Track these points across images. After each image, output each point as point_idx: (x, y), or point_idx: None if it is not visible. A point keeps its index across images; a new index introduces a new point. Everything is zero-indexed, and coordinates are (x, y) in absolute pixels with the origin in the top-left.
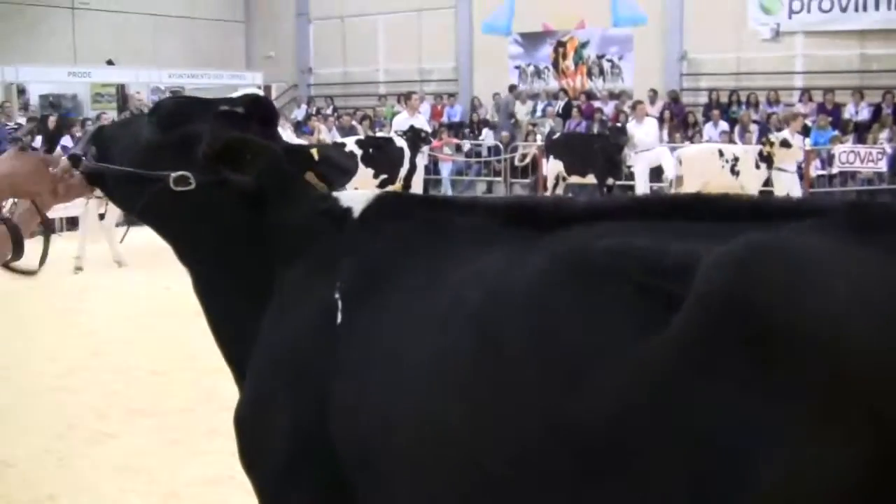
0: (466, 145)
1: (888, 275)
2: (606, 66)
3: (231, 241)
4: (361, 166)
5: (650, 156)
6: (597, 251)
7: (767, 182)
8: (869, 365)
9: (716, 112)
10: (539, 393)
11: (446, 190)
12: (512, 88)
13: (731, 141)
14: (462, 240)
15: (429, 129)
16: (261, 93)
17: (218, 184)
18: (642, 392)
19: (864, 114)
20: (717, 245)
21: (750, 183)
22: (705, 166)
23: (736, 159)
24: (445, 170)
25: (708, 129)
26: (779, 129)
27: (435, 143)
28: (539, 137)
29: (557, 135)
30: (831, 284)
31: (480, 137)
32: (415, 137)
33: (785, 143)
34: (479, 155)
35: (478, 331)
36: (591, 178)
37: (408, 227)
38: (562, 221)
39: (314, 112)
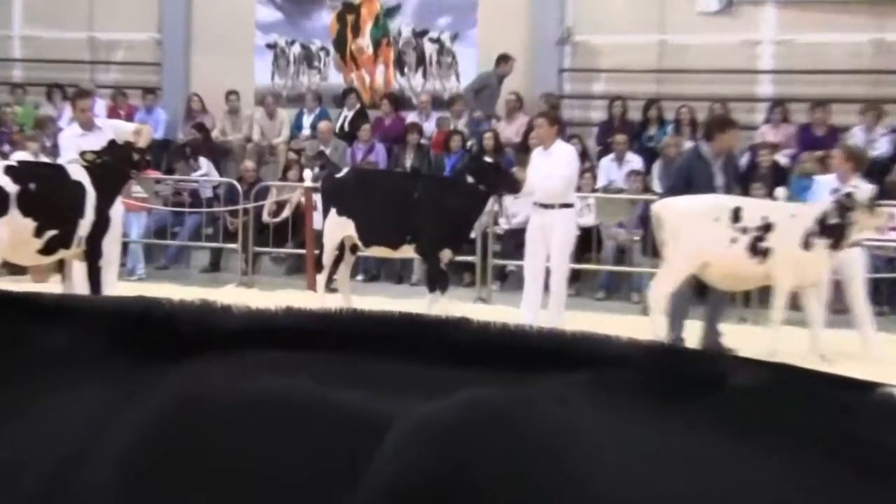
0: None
1: (675, 469)
2: (430, 49)
3: None
4: (17, 215)
5: (568, 216)
6: (230, 401)
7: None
8: None
9: (620, 137)
10: None
11: (136, 262)
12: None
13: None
14: (40, 367)
15: (144, 144)
16: None
17: None
18: None
19: None
20: (424, 401)
21: (788, 271)
22: (698, 228)
23: (766, 226)
24: (136, 226)
25: (605, 165)
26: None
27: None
28: (307, 174)
29: (345, 171)
30: (575, 484)
31: (200, 171)
32: (119, 161)
33: (873, 204)
34: (196, 200)
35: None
36: (405, 250)
37: None
38: (199, 344)
39: None
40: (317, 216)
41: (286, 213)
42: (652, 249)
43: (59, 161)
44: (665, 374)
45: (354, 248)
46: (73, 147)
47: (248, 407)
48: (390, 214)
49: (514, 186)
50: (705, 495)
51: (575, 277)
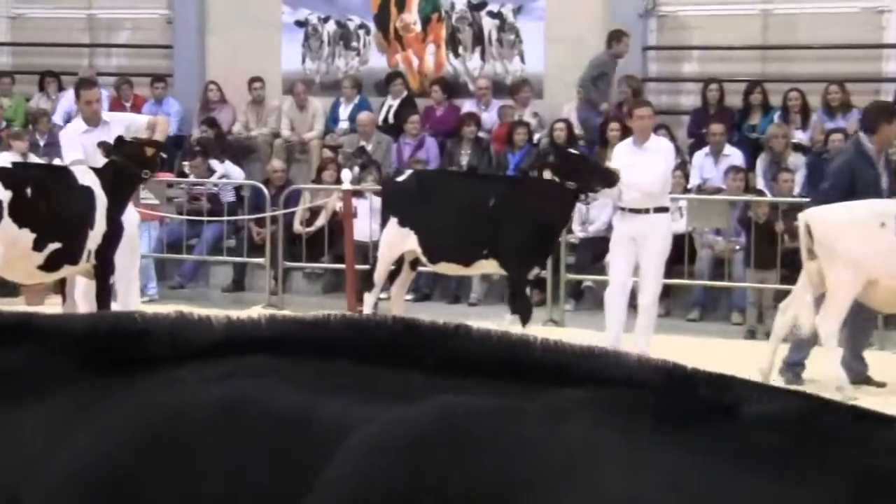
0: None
1: (672, 498)
2: (489, 25)
3: None
4: (10, 225)
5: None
6: (203, 407)
7: None
8: None
9: (716, 127)
10: None
11: (147, 280)
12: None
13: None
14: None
15: (161, 139)
16: None
17: None
18: None
19: None
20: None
21: None
22: (860, 241)
23: None
24: (146, 238)
25: (699, 161)
26: None
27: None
28: (346, 175)
29: (407, 173)
30: None
31: (218, 174)
32: (130, 160)
33: None
34: (215, 207)
35: None
36: (480, 266)
37: None
38: (175, 356)
39: None
40: (358, 224)
41: (321, 221)
42: (755, 260)
43: (61, 162)
44: (674, 398)
45: (415, 264)
46: (77, 146)
47: (213, 411)
48: (462, 224)
49: (610, 179)
50: None
51: (664, 294)
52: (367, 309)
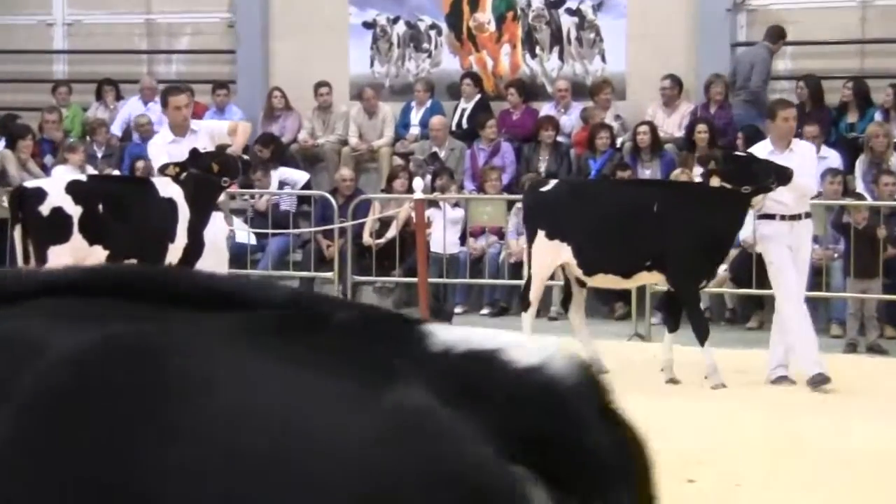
0: (261, 198)
1: (273, 389)
2: (567, 23)
3: None
4: (81, 241)
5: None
6: None
7: None
8: None
9: (811, 127)
10: None
11: None
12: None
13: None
14: None
15: (242, 143)
16: None
17: None
18: None
19: None
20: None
21: None
22: None
23: None
24: None
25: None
26: None
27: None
28: (418, 183)
29: (552, 183)
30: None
31: (276, 182)
32: (206, 174)
33: None
34: (279, 219)
35: None
36: (640, 278)
37: None
38: None
39: None
40: (431, 235)
41: (392, 232)
42: (855, 269)
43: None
44: (293, 314)
45: (570, 283)
46: (164, 157)
47: None
48: (623, 233)
49: (787, 175)
50: (275, 408)
51: (758, 305)
52: (525, 331)
